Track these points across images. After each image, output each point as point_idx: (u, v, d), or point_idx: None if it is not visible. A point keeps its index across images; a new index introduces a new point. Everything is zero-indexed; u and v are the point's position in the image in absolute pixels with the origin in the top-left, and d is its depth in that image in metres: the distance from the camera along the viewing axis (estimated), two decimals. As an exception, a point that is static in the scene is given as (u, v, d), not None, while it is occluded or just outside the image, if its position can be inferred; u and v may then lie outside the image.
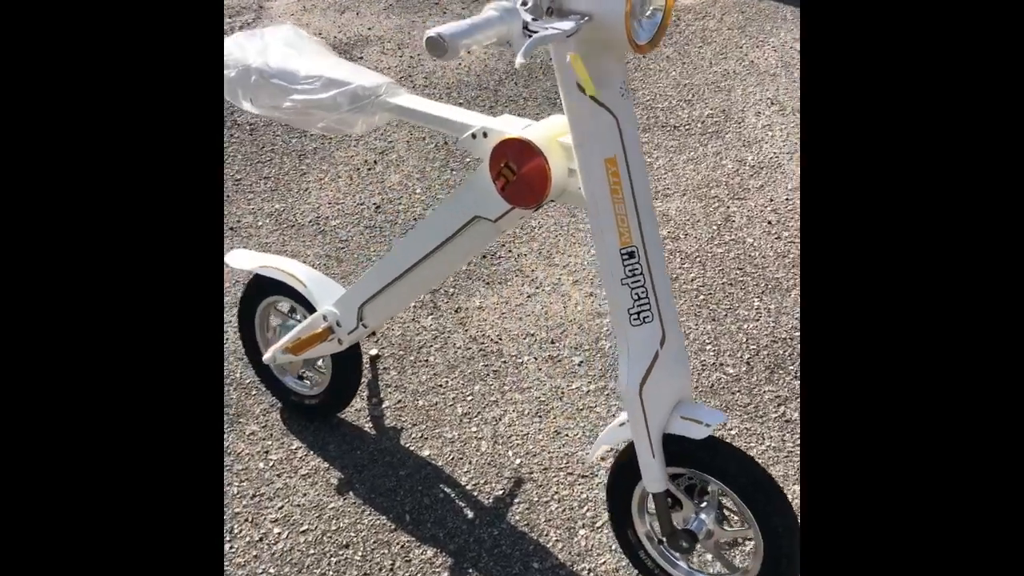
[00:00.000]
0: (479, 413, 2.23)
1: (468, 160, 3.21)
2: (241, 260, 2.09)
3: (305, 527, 1.97)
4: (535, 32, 1.27)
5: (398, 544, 1.93)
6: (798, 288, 2.53)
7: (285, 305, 2.15)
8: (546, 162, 1.48)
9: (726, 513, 1.66)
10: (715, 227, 2.80)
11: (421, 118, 1.69)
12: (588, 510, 1.97)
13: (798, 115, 3.36)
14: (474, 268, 2.69)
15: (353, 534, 1.95)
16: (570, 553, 1.89)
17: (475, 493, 2.03)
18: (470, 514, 1.98)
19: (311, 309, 2.00)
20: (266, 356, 2.11)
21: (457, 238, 1.67)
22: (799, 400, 2.15)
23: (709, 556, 1.82)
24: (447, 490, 2.04)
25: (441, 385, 2.31)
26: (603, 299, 2.54)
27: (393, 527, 1.96)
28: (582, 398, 2.25)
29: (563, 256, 2.73)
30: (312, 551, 1.92)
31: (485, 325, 2.49)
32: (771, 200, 2.92)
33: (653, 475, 1.57)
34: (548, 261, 2.72)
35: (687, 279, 2.60)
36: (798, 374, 2.25)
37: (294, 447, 2.17)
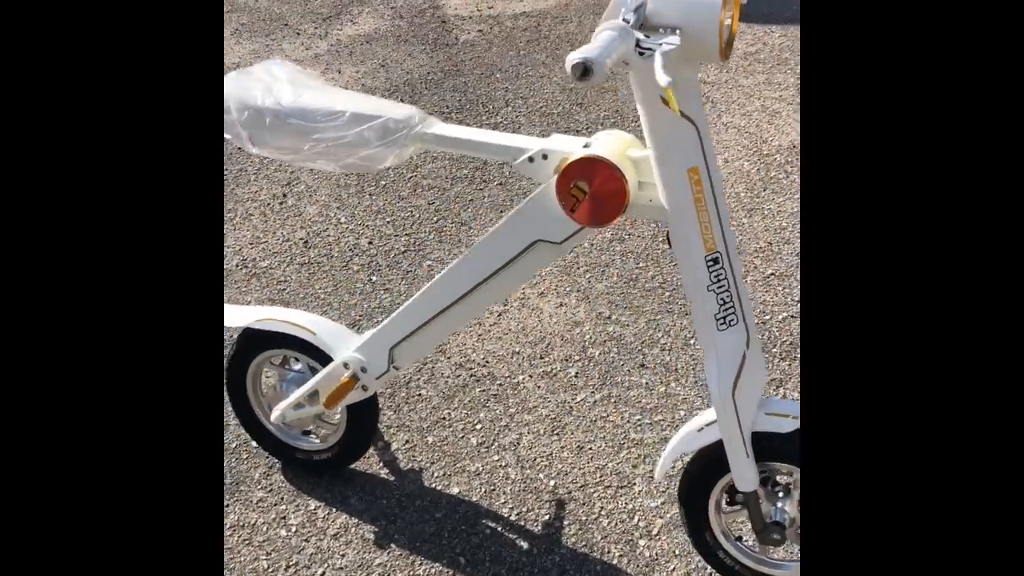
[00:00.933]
0: (495, 440, 2.17)
1: (385, 183, 3.11)
2: (231, 317, 1.92)
3: (358, 590, 1.85)
4: (648, 49, 1.27)
5: (464, 589, 1.84)
6: (750, 275, 2.63)
7: (277, 358, 2.00)
8: (623, 178, 1.46)
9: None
10: (655, 224, 2.86)
11: (465, 146, 1.62)
12: (639, 519, 1.97)
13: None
14: (432, 293, 2.61)
15: (412, 588, 1.85)
16: (638, 565, 1.88)
17: (521, 522, 1.97)
18: (524, 545, 1.93)
19: (322, 359, 1.87)
20: (275, 415, 1.95)
21: (514, 264, 1.62)
22: (798, 381, 2.25)
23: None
24: (492, 524, 1.97)
25: (444, 418, 2.23)
26: (575, 307, 2.54)
27: (451, 572, 1.87)
28: (591, 409, 2.23)
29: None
30: (375, 614, 1.80)
31: (466, 349, 2.43)
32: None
33: (748, 474, 1.59)
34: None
35: (647, 278, 2.64)
36: (782, 356, 2.35)
37: (312, 507, 2.02)
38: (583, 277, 2.66)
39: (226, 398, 2.06)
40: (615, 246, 2.77)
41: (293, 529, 1.97)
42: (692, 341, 2.42)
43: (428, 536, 1.95)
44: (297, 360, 2.00)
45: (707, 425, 1.62)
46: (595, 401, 2.26)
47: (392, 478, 2.09)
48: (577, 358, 2.39)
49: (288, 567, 1.89)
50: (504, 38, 4.10)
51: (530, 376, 2.34)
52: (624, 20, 1.28)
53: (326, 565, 1.89)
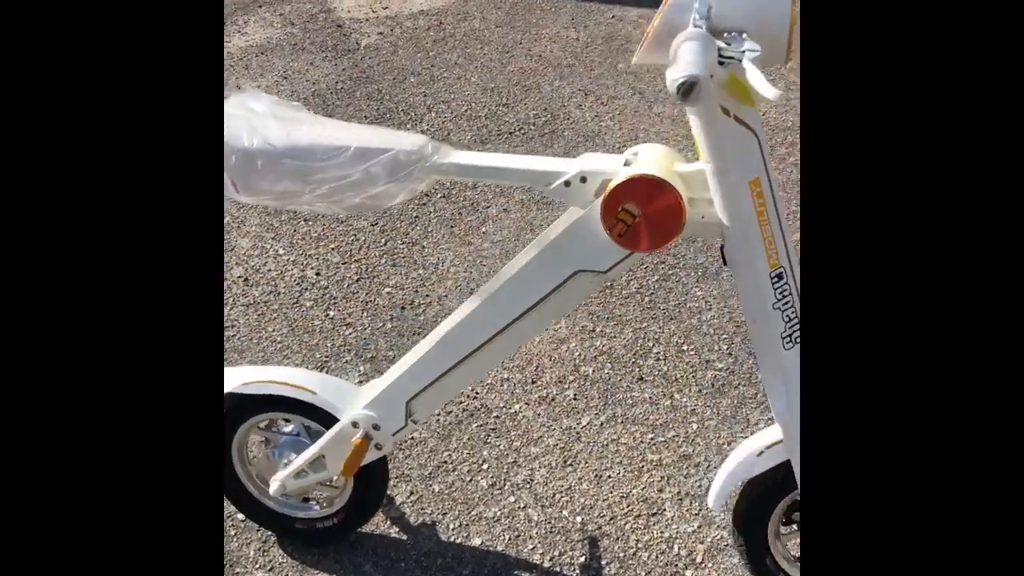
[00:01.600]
0: (506, 480, 2.01)
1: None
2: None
3: (397, 671, 1.66)
4: (730, 57, 1.16)
5: (514, 653, 1.69)
6: (722, 266, 2.56)
7: (264, 422, 1.78)
8: (679, 195, 1.33)
9: None
10: (614, 226, 2.75)
11: (487, 174, 1.46)
12: (680, 548, 1.85)
13: (620, 101, 3.40)
14: (398, 323, 2.42)
15: (457, 660, 1.67)
16: (690, 599, 1.77)
17: (557, 567, 1.83)
18: (566, 592, 1.78)
19: (324, 419, 1.67)
20: (274, 488, 1.73)
21: (550, 299, 1.47)
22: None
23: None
24: (525, 574, 1.82)
25: (446, 461, 2.05)
26: (556, 323, 2.39)
27: (496, 636, 1.71)
28: (600, 433, 2.10)
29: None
30: None
31: (451, 382, 2.25)
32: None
33: None
34: (473, 297, 2.51)
35: (623, 284, 2.53)
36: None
37: (323, 582, 1.81)
38: (555, 289, 2.53)
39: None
40: (580, 253, 2.64)
41: (308, 610, 1.77)
42: (684, 346, 2.32)
43: (460, 597, 1.78)
44: (287, 422, 1.79)
45: (767, 448, 1.52)
46: (601, 423, 2.13)
47: (405, 536, 1.90)
48: (571, 378, 2.25)
49: (312, 656, 1.69)
50: (408, 39, 3.90)
51: (526, 403, 2.19)
52: (696, 26, 1.16)
53: (355, 648, 1.70)
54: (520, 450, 2.07)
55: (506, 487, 1.99)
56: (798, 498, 1.56)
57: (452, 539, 1.88)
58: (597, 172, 1.37)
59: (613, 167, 1.37)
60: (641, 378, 2.24)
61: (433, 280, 2.57)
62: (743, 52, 1.14)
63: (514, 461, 2.05)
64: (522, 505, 1.95)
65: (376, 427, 1.62)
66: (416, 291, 2.53)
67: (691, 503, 1.93)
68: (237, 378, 1.67)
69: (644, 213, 1.32)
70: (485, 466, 2.04)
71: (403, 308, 2.47)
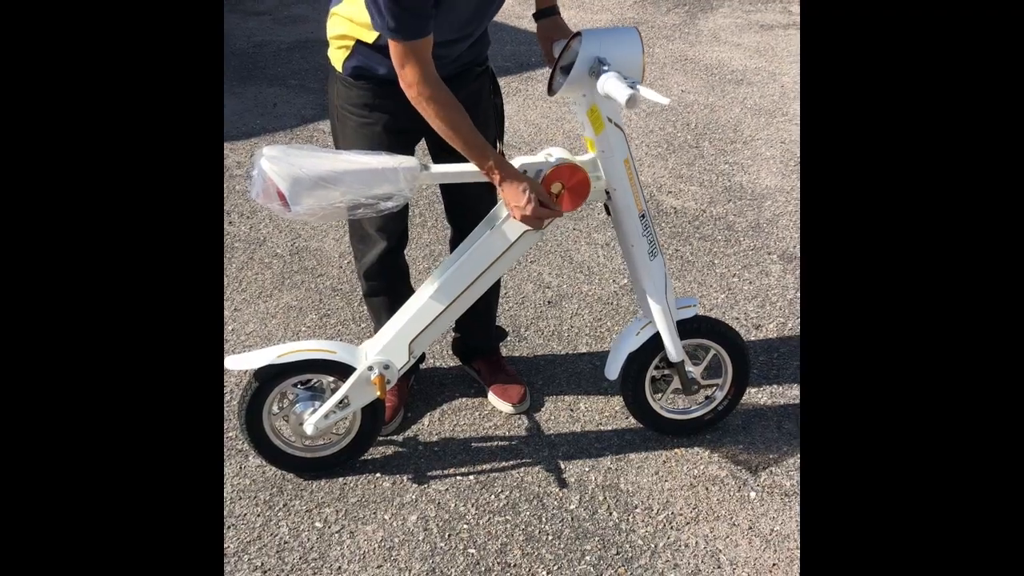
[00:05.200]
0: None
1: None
2: (248, 361, 2.18)
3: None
4: (632, 85, 1.79)
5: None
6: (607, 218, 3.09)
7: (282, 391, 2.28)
8: (584, 170, 2.02)
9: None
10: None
11: (453, 178, 2.07)
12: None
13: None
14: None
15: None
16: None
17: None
18: None
19: (342, 372, 2.20)
20: (309, 429, 2.23)
21: (505, 255, 2.11)
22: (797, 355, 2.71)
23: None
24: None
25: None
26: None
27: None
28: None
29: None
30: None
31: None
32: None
33: (679, 350, 2.25)
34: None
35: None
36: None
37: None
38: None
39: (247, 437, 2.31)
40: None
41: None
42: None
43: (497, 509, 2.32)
44: (299, 385, 2.29)
45: (642, 329, 2.26)
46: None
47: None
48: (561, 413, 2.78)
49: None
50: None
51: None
52: (605, 69, 1.84)
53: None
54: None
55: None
56: (663, 353, 2.28)
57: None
58: (533, 164, 2.02)
59: (542, 161, 2.02)
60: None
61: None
62: (634, 83, 1.79)
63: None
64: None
65: (386, 367, 2.18)
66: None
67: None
68: (270, 354, 2.19)
69: (568, 186, 2.00)
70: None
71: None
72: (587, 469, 2.34)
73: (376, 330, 2.42)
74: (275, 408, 2.28)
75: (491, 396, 2.58)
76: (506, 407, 2.54)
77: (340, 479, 2.31)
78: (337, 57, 2.06)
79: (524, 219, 1.95)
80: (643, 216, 2.09)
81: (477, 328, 2.58)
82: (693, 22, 5.73)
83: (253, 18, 5.90)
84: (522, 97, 4.66)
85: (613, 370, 2.28)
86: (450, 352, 2.72)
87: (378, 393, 2.18)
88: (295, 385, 2.28)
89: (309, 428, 2.25)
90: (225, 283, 3.13)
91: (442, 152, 2.16)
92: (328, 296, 3.06)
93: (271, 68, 5.06)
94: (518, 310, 2.94)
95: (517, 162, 1.99)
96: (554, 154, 2.04)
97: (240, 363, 2.19)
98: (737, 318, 2.91)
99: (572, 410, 2.53)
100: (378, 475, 2.33)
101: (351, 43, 2.00)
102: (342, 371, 2.21)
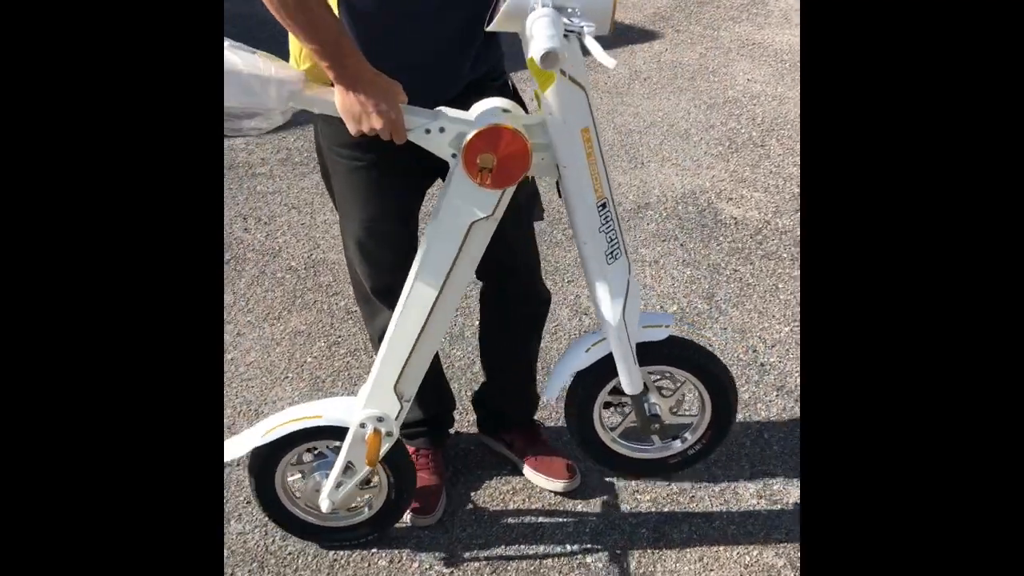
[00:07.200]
0: None
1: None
2: (240, 445, 1.91)
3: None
4: (573, 31, 1.41)
5: None
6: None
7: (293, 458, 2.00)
8: (519, 133, 1.53)
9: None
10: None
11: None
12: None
13: (618, 87, 3.54)
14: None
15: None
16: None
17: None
18: None
19: (338, 433, 1.89)
20: (324, 505, 1.95)
21: (462, 254, 1.66)
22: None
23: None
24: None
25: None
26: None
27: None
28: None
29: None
30: None
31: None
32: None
33: (635, 380, 1.82)
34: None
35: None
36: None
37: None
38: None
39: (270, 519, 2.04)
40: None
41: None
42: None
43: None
44: (310, 450, 2.00)
45: (593, 345, 1.82)
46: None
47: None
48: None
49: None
50: None
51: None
52: (543, 5, 1.40)
53: None
54: None
55: None
56: (618, 379, 1.83)
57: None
58: (453, 122, 1.55)
59: (467, 121, 1.55)
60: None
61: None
62: (582, 27, 1.38)
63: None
64: None
65: (380, 419, 1.84)
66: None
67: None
68: (255, 435, 1.89)
69: (500, 157, 1.54)
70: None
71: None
72: (618, 552, 1.98)
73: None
74: (289, 478, 1.99)
75: (529, 472, 2.19)
76: (555, 485, 2.15)
77: (331, 553, 2.01)
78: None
79: (371, 132, 1.50)
80: (603, 205, 1.63)
81: (511, 391, 2.18)
82: (762, 1, 5.25)
83: None
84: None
85: (552, 389, 1.87)
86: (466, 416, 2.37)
87: (369, 454, 1.85)
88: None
89: (324, 504, 1.95)
90: (232, 301, 2.85)
91: None
92: (340, 320, 2.75)
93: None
94: (550, 342, 2.59)
95: (429, 114, 1.54)
96: (486, 107, 1.54)
97: (231, 451, 1.91)
98: (803, 355, 2.52)
99: (601, 472, 2.18)
100: (374, 550, 2.02)
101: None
102: (336, 433, 1.90)
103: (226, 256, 3.06)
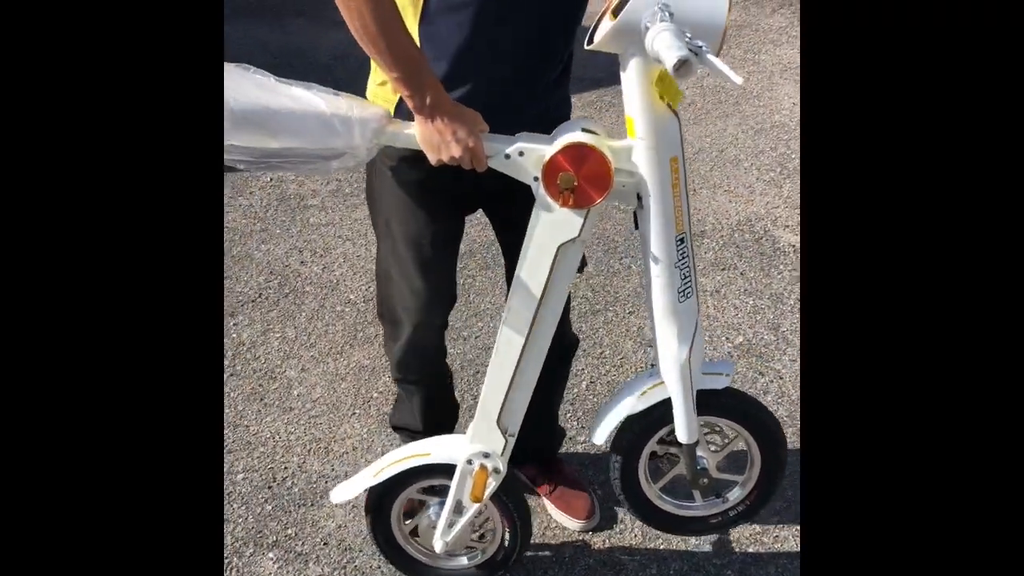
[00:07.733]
0: None
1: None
2: (352, 487, 1.92)
3: None
4: (695, 49, 1.31)
5: None
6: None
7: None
8: (601, 151, 1.49)
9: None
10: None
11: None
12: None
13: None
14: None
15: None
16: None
17: None
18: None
19: (447, 471, 1.88)
20: (438, 547, 1.94)
21: (552, 278, 1.63)
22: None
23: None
24: None
25: None
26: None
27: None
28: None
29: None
30: None
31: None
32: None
33: (692, 428, 1.73)
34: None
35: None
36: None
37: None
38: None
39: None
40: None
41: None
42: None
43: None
44: (426, 491, 1.99)
45: (650, 389, 1.75)
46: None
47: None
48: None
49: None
50: None
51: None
52: (662, 21, 1.35)
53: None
54: None
55: None
56: (672, 427, 1.75)
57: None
58: (532, 147, 1.52)
59: (543, 143, 1.52)
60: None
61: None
62: (700, 45, 1.31)
63: None
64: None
65: (486, 455, 1.83)
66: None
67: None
68: (367, 475, 1.90)
69: (580, 175, 1.50)
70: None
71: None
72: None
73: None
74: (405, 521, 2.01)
75: (550, 507, 2.20)
76: (574, 524, 2.17)
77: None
78: (380, 95, 1.68)
79: (452, 160, 1.49)
80: (681, 240, 1.56)
81: (534, 424, 2.04)
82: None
83: (334, 30, 5.64)
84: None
85: (600, 434, 1.81)
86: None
87: (475, 490, 1.83)
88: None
89: (438, 546, 1.94)
90: (294, 336, 2.86)
91: (508, 225, 1.80)
92: (403, 354, 2.75)
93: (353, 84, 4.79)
94: (616, 374, 2.58)
95: (507, 140, 1.53)
96: (568, 131, 1.51)
97: (342, 494, 1.93)
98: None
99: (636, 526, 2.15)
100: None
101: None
102: (445, 471, 1.89)
103: (284, 290, 3.07)
